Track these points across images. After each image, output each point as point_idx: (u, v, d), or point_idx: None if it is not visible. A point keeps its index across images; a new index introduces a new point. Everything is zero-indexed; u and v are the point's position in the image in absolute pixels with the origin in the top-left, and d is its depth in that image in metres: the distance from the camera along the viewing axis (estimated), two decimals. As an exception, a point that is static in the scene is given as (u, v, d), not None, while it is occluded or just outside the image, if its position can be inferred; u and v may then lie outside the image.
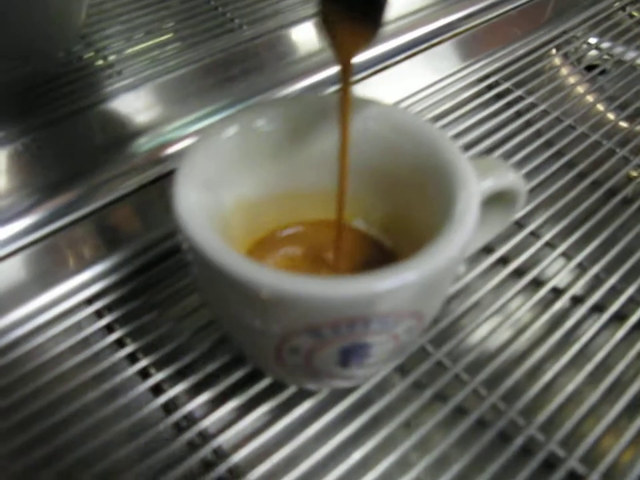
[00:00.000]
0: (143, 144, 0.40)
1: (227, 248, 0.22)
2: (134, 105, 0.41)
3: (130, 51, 0.44)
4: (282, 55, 0.45)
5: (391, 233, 0.31)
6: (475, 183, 0.24)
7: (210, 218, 0.24)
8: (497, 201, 0.28)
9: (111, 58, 0.43)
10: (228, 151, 0.26)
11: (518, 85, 0.47)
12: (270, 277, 0.21)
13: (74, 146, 0.38)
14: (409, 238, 0.29)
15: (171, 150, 0.40)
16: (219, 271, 0.21)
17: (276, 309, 0.21)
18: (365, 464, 0.27)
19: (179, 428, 0.29)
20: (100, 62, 0.43)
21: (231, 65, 0.44)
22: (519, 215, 0.38)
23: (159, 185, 0.38)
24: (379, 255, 0.30)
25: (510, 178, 0.27)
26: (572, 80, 0.49)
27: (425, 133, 0.27)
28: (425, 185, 0.26)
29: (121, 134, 0.40)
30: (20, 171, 0.36)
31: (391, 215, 0.30)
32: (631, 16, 0.56)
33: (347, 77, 0.25)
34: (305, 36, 0.47)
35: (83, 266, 0.34)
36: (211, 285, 0.24)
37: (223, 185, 0.26)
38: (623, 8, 0.57)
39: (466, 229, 0.22)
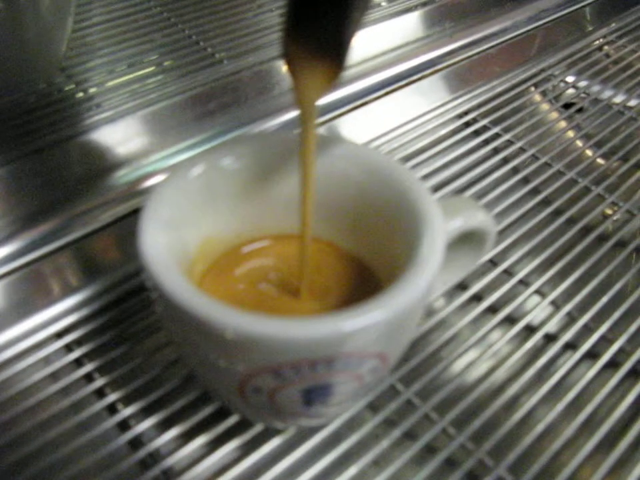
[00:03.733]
0: (121, 176, 0.40)
1: (189, 286, 0.22)
2: (113, 137, 0.41)
3: (111, 83, 0.44)
4: (262, 89, 0.46)
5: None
6: (441, 224, 0.24)
7: (175, 257, 0.24)
8: (467, 240, 0.28)
9: (92, 90, 0.44)
10: (194, 190, 0.26)
11: (495, 122, 0.48)
12: (231, 317, 0.21)
13: (51, 178, 0.38)
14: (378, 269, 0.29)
15: (149, 183, 0.40)
16: (180, 310, 0.21)
17: (236, 349, 0.21)
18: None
19: (145, 465, 0.28)
20: (80, 94, 0.43)
21: (211, 99, 0.44)
22: (493, 252, 0.38)
23: (136, 218, 0.38)
24: (350, 267, 0.30)
25: (479, 218, 0.27)
26: (549, 118, 0.50)
27: (392, 173, 0.27)
28: (391, 225, 0.26)
29: (99, 166, 0.40)
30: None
31: (359, 253, 0.30)
32: (608, 55, 0.57)
33: (307, 122, 0.24)
34: (285, 71, 0.47)
35: (54, 299, 0.34)
36: (173, 323, 0.24)
37: (188, 225, 0.26)
38: (600, 48, 0.58)
39: (429, 271, 0.22)
